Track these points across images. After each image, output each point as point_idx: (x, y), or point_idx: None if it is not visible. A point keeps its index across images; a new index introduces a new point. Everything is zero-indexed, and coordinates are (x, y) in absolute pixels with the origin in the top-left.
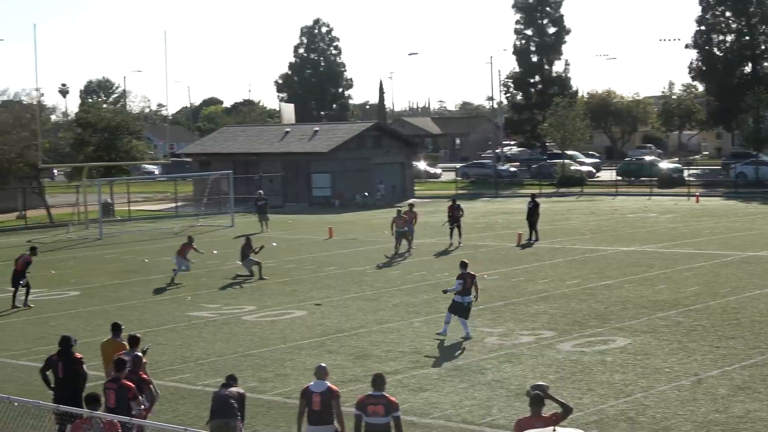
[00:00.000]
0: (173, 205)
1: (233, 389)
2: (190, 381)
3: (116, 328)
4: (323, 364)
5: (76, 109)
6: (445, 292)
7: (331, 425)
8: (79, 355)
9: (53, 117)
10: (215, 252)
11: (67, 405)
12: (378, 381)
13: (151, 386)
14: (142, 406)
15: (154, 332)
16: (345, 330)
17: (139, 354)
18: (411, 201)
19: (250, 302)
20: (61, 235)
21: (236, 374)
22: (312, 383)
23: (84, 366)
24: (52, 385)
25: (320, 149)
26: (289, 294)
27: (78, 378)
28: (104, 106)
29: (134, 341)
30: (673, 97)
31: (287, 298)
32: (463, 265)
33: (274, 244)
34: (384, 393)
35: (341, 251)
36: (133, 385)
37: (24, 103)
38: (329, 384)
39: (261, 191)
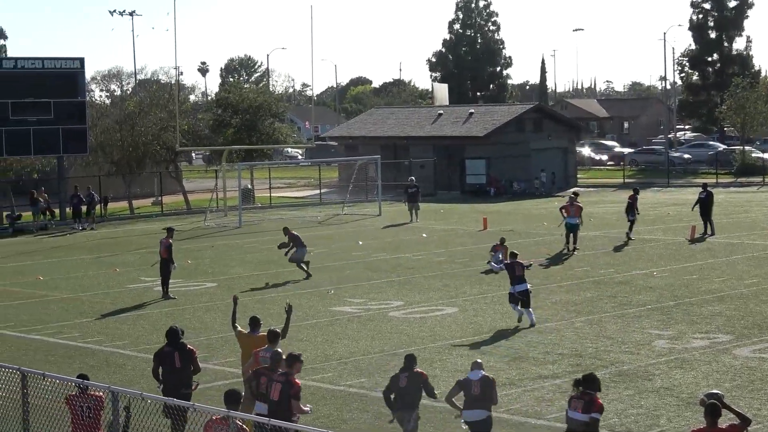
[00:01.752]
0: (317, 192)
1: (416, 371)
2: (333, 380)
3: (254, 323)
4: (479, 360)
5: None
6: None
7: (485, 410)
8: (191, 347)
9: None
10: (360, 243)
11: (180, 397)
12: (589, 379)
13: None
14: (307, 408)
15: (294, 328)
16: (499, 329)
17: (279, 351)
18: (575, 190)
19: (397, 297)
20: (198, 223)
21: (383, 373)
22: (470, 374)
23: (197, 359)
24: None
25: (475, 133)
26: (439, 289)
27: (188, 371)
28: (246, 85)
29: (273, 337)
30: None
31: (437, 293)
32: (513, 255)
33: (425, 235)
34: (589, 392)
35: (495, 243)
36: (299, 384)
37: (162, 82)
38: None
39: (413, 178)
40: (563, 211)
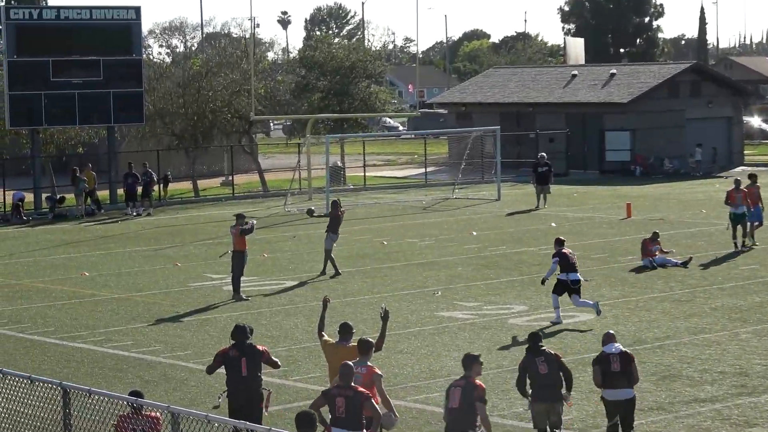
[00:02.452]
0: (421, 171)
1: (551, 353)
2: (439, 402)
3: (345, 331)
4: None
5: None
6: (543, 282)
7: (629, 388)
8: (261, 347)
9: (270, 55)
10: (474, 233)
11: (247, 410)
12: None
13: (377, 405)
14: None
15: (392, 337)
16: (645, 341)
17: (350, 364)
18: (752, 171)
19: (520, 300)
20: (277, 208)
21: (502, 394)
22: (605, 348)
23: (271, 357)
24: (225, 390)
25: (617, 99)
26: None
27: (258, 380)
28: (336, 41)
29: (366, 348)
30: None
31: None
32: (559, 242)
33: (554, 224)
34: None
35: (641, 235)
36: (483, 386)
37: (234, 36)
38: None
39: (543, 154)
40: (729, 199)
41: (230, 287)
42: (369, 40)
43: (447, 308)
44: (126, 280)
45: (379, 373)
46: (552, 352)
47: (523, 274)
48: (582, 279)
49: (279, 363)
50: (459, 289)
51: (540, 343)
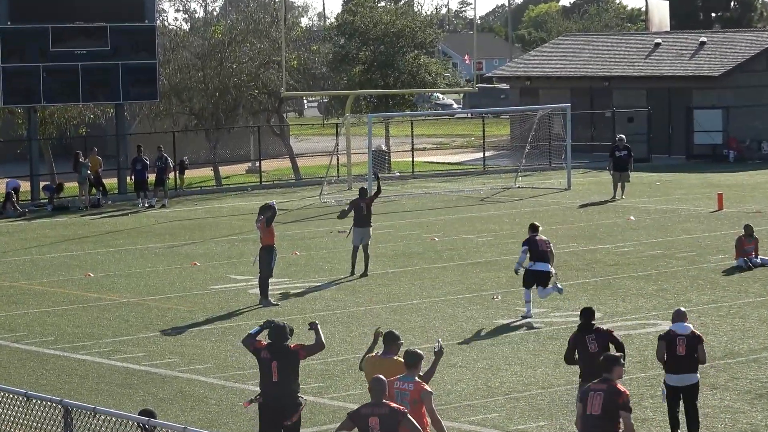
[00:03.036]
0: (479, 155)
1: (602, 330)
2: (499, 423)
3: (390, 341)
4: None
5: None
6: (516, 273)
7: (694, 373)
8: (295, 346)
9: (304, 21)
10: (540, 228)
11: (278, 423)
12: None
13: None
14: None
15: (446, 348)
16: (739, 353)
17: (382, 378)
18: None
19: (593, 305)
20: (311, 199)
21: (572, 415)
22: (674, 326)
23: (306, 356)
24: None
25: (708, 71)
26: (652, 295)
27: (292, 386)
28: (380, 4)
29: (413, 361)
30: None
31: (650, 301)
32: (533, 228)
33: (633, 218)
34: None
35: (735, 231)
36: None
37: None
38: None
39: (623, 136)
40: None
41: (257, 290)
42: (419, 3)
43: (508, 315)
44: (137, 282)
45: (429, 389)
46: (604, 328)
47: (596, 275)
48: (553, 274)
49: (322, 343)
50: (522, 293)
51: (592, 321)
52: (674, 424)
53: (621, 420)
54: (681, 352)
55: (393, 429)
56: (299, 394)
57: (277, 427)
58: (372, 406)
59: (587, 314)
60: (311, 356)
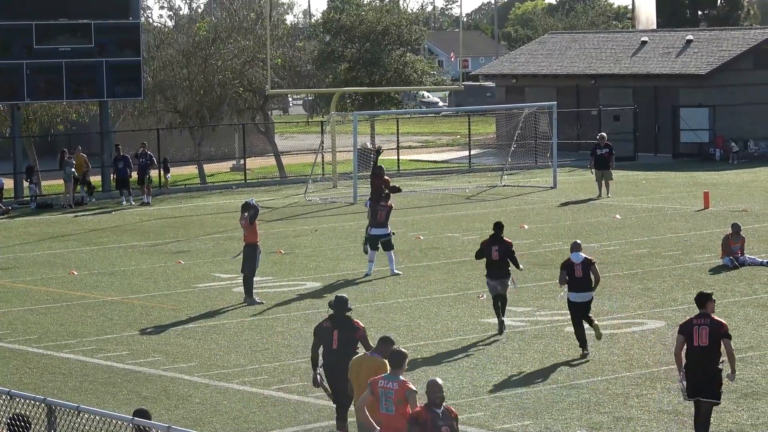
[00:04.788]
0: (464, 154)
1: (505, 239)
2: (484, 423)
3: (384, 342)
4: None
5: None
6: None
7: (590, 291)
8: (360, 324)
9: (289, 18)
10: (526, 227)
11: (337, 385)
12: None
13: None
14: None
15: (431, 346)
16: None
17: (404, 380)
18: None
19: None
20: (296, 197)
21: (557, 414)
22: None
23: (367, 339)
24: (320, 366)
25: (694, 70)
26: (638, 294)
27: (353, 354)
28: (365, 1)
29: (398, 360)
30: None
31: (635, 300)
32: (385, 196)
33: (618, 216)
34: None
35: (721, 230)
36: (725, 323)
37: None
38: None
39: (603, 134)
40: None
41: (241, 289)
42: (405, 1)
43: (493, 314)
44: (121, 280)
45: (414, 389)
46: (508, 240)
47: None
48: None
49: (370, 347)
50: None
51: (501, 234)
52: (581, 340)
53: (724, 346)
54: (578, 275)
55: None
56: None
57: (337, 390)
58: (429, 415)
59: (498, 227)
60: (358, 342)
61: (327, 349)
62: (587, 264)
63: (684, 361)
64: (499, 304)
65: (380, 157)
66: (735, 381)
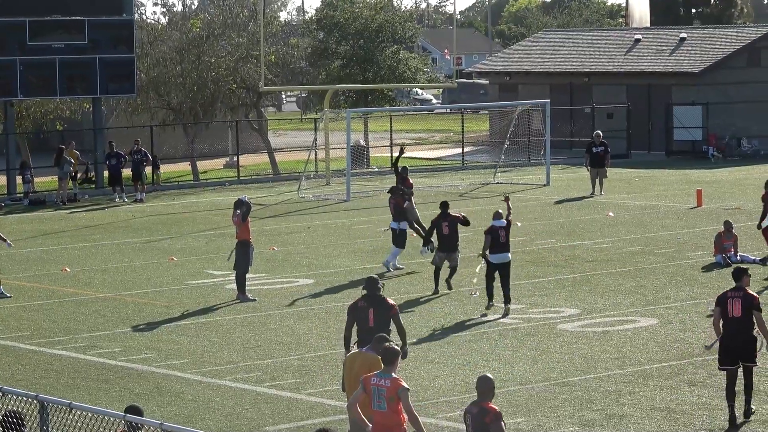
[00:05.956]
0: (458, 151)
1: (453, 214)
2: None
3: (379, 339)
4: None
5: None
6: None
7: (509, 253)
8: (392, 302)
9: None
10: (519, 224)
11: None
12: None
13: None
14: None
15: (423, 344)
16: (716, 351)
17: (396, 377)
18: None
19: (571, 302)
20: (289, 194)
21: (549, 411)
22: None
23: (400, 317)
24: (353, 344)
25: (688, 68)
26: (631, 292)
27: (387, 332)
28: None
29: (390, 357)
30: None
31: (628, 297)
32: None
33: (612, 214)
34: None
35: (714, 228)
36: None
37: None
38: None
39: (599, 132)
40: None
41: (234, 285)
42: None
43: (485, 311)
44: (113, 277)
45: (406, 386)
46: (454, 215)
47: (575, 271)
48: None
49: (404, 329)
50: (500, 290)
51: (448, 210)
52: (490, 294)
53: (754, 318)
54: (502, 239)
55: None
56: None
57: None
58: (472, 404)
59: (444, 205)
60: (389, 324)
61: (363, 327)
62: (508, 226)
63: (721, 331)
64: (449, 272)
65: (372, 155)
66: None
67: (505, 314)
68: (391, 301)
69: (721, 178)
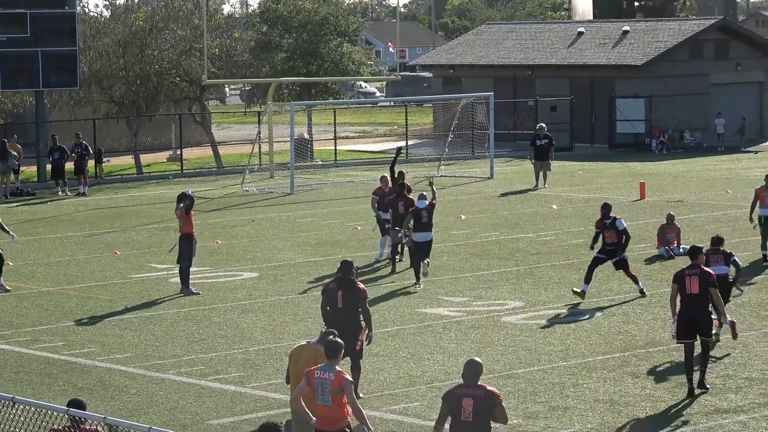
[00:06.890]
0: (401, 144)
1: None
2: (421, 413)
3: (326, 333)
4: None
5: None
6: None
7: (430, 232)
8: (362, 286)
9: (226, 8)
10: (463, 217)
11: (345, 336)
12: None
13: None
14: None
15: (377, 337)
16: (660, 342)
17: (340, 370)
18: None
19: (514, 295)
20: (232, 188)
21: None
22: (417, 202)
23: (367, 301)
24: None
25: (631, 61)
26: (574, 284)
27: (355, 316)
28: None
29: (334, 351)
30: None
31: (571, 290)
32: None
33: (555, 206)
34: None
35: (656, 220)
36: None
37: None
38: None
39: (543, 125)
40: (757, 201)
41: (178, 279)
42: None
43: (430, 304)
44: (56, 271)
45: (350, 379)
46: (409, 197)
47: (519, 264)
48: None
49: (369, 313)
50: (444, 282)
51: (404, 190)
52: (417, 276)
53: (710, 294)
54: (424, 219)
55: (486, 411)
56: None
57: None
58: (467, 387)
59: (401, 186)
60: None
61: (333, 308)
62: (430, 207)
63: (678, 307)
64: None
65: (316, 148)
66: (671, 371)
67: (414, 286)
68: (361, 285)
69: (663, 170)
